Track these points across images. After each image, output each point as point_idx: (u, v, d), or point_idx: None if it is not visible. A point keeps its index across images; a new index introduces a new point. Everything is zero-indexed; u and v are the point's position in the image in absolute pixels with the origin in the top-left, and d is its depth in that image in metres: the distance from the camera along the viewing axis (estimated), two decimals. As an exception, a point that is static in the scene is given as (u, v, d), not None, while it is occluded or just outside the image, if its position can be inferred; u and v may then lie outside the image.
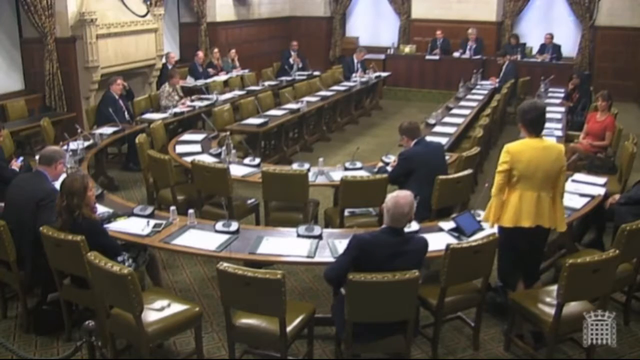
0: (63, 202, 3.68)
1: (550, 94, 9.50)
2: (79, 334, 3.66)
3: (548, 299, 3.65)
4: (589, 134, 6.94)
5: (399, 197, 3.34)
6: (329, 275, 3.39)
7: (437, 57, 12.34)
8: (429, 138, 5.77)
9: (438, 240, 3.88)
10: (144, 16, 9.47)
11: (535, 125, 3.85)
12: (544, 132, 3.96)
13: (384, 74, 11.79)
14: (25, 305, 4.05)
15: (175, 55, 10.74)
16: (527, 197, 3.80)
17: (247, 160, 5.76)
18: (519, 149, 3.83)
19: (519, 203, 3.81)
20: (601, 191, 4.92)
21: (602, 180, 5.21)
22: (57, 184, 4.11)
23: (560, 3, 12.65)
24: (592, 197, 4.79)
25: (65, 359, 3.03)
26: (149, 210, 4.41)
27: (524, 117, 3.85)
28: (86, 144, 6.26)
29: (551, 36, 11.81)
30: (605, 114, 6.86)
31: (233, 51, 11.36)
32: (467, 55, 12.15)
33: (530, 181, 3.79)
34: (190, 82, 9.85)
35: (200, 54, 10.52)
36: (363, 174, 5.32)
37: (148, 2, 9.59)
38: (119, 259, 3.78)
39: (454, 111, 8.21)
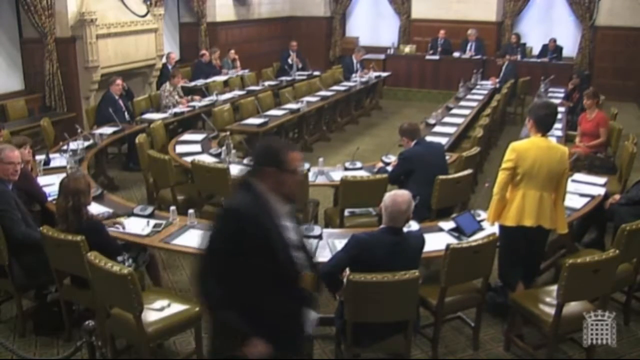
0: (69, 203, 3.66)
1: (550, 94, 9.49)
2: (79, 334, 3.65)
3: (548, 299, 3.64)
4: (583, 134, 6.94)
5: (396, 195, 3.33)
6: (325, 270, 3.34)
7: (437, 57, 12.34)
8: (429, 138, 5.78)
9: (438, 240, 3.88)
10: (144, 16, 9.47)
11: (544, 123, 3.87)
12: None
13: (384, 74, 11.78)
14: (21, 309, 4.03)
15: (176, 55, 10.73)
16: (530, 196, 3.81)
17: (247, 160, 5.74)
18: (525, 147, 3.85)
19: (522, 202, 3.82)
20: (601, 191, 4.92)
21: (602, 180, 5.21)
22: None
23: (560, 3, 12.65)
24: (592, 197, 4.79)
25: (65, 359, 3.03)
26: (149, 210, 4.42)
27: (536, 113, 3.89)
28: (86, 144, 6.25)
29: (555, 41, 11.83)
30: (594, 111, 6.86)
31: (232, 51, 11.36)
32: (467, 55, 12.16)
33: (533, 180, 3.79)
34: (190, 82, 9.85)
35: (207, 53, 10.54)
36: (363, 174, 5.32)
37: (148, 2, 9.59)
38: (119, 259, 3.78)
39: (454, 111, 8.21)
